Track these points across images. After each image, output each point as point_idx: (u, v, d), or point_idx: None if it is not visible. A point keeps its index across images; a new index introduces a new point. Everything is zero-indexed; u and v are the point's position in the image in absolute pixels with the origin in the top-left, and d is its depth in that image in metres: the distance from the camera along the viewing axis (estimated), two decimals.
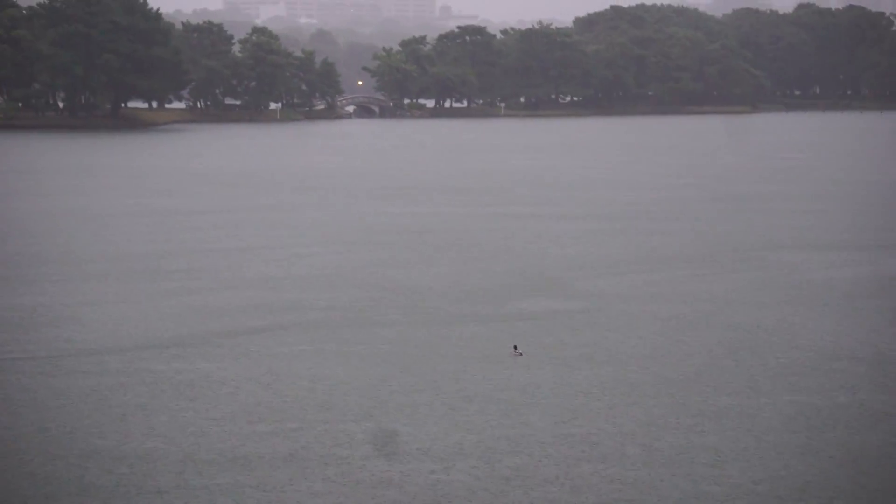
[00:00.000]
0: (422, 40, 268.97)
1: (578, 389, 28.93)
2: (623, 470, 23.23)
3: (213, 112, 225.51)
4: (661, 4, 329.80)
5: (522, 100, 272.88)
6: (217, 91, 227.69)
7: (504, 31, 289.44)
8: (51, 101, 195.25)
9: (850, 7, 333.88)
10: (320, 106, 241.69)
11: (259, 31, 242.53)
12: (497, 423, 26.00)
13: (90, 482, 22.42)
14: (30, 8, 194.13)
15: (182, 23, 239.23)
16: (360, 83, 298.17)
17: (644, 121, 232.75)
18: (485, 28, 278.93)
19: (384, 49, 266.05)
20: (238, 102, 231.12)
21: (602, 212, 67.64)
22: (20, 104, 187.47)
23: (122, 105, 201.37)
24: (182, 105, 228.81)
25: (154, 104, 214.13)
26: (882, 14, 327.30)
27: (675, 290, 42.13)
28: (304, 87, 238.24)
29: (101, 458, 23.70)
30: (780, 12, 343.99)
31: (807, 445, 24.56)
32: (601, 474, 22.88)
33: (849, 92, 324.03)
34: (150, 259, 49.78)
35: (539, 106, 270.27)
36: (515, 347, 33.56)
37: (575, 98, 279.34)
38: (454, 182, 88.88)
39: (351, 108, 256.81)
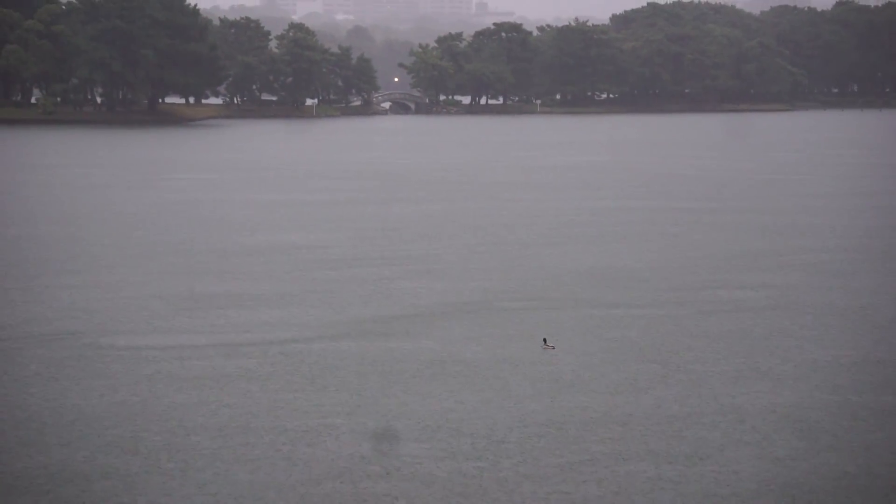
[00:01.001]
0: (458, 37, 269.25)
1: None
2: None
3: (249, 108, 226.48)
4: (699, 2, 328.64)
5: (558, 97, 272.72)
6: (254, 87, 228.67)
7: (540, 28, 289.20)
8: (89, 97, 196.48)
9: (890, 4, 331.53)
10: (356, 102, 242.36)
11: (296, 27, 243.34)
12: None
13: None
14: (69, 3, 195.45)
15: (220, 18, 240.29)
16: (396, 79, 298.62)
17: (681, 119, 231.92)
18: (521, 25, 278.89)
19: (420, 45, 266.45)
20: (274, 98, 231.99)
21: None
22: (59, 99, 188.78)
23: (160, 100, 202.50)
24: (219, 101, 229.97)
25: (191, 100, 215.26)
26: None
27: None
28: (340, 83, 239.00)
29: None
30: (819, 10, 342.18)
31: None
32: None
33: (888, 90, 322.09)
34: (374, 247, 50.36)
35: (575, 103, 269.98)
36: (545, 341, 31.99)
37: (611, 95, 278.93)
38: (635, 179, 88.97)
39: (387, 105, 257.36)
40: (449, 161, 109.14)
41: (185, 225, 58.94)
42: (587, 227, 58.92)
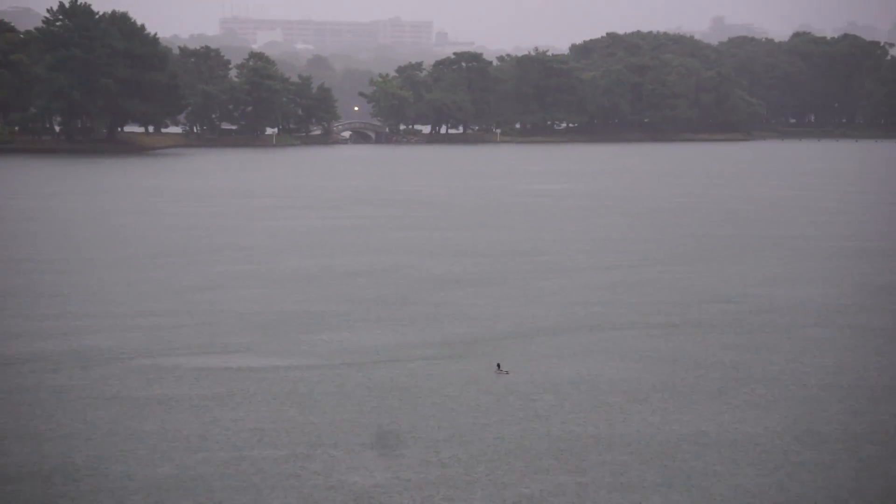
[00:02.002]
0: (418, 66, 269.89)
1: None
2: None
3: (209, 137, 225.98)
4: (658, 32, 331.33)
5: (518, 126, 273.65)
6: (213, 116, 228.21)
7: (500, 58, 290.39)
8: (47, 126, 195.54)
9: (846, 36, 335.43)
10: (316, 131, 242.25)
11: (256, 56, 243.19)
12: None
13: None
14: (27, 32, 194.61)
15: (179, 47, 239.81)
16: (356, 109, 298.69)
17: (637, 149, 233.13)
18: (481, 54, 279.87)
19: (380, 75, 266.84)
20: (234, 127, 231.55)
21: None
22: (16, 128, 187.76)
23: (119, 129, 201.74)
24: (178, 130, 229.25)
25: (150, 129, 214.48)
26: (877, 43, 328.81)
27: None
28: (300, 112, 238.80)
29: None
30: (776, 40, 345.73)
31: None
32: None
33: (844, 120, 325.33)
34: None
35: (534, 132, 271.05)
36: (499, 366, 32.09)
37: (571, 124, 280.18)
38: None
39: (347, 134, 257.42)
40: (456, 187, 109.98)
41: (250, 253, 58.32)
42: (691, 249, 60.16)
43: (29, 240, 63.77)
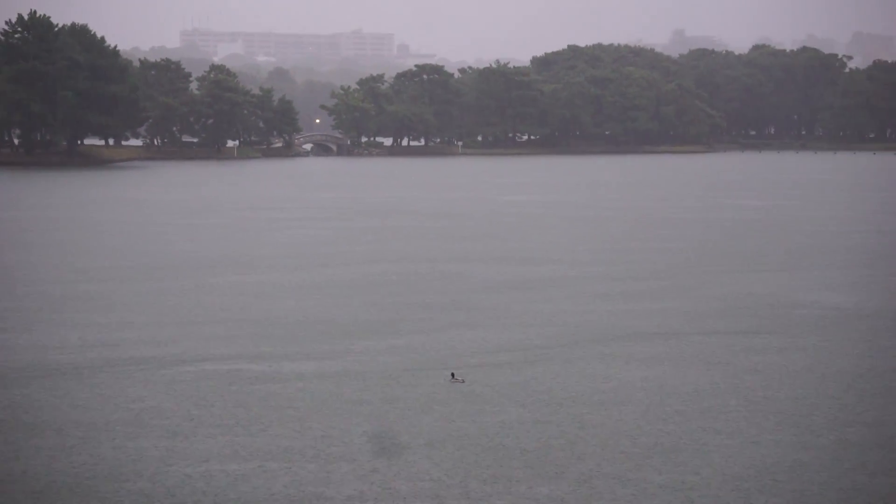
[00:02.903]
0: (379, 79, 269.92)
1: None
2: None
3: (170, 149, 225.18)
4: (618, 45, 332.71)
5: (480, 138, 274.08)
6: (174, 128, 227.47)
7: (462, 70, 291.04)
8: (6, 138, 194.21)
9: (805, 48, 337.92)
10: (278, 144, 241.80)
11: (217, 68, 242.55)
12: None
13: None
14: None
15: (140, 60, 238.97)
16: (317, 121, 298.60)
17: (602, 160, 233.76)
18: (442, 67, 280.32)
19: (342, 87, 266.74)
20: (195, 140, 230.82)
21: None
22: None
23: (79, 142, 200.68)
24: (139, 142, 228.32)
25: (111, 141, 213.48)
26: (835, 56, 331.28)
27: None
28: (261, 124, 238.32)
29: None
30: (736, 53, 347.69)
31: None
32: None
33: (803, 132, 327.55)
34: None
35: (496, 145, 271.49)
36: (453, 375, 31.39)
37: (532, 137, 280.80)
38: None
39: (308, 147, 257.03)
40: (443, 198, 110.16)
41: (275, 262, 57.76)
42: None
43: (30, 250, 63.30)
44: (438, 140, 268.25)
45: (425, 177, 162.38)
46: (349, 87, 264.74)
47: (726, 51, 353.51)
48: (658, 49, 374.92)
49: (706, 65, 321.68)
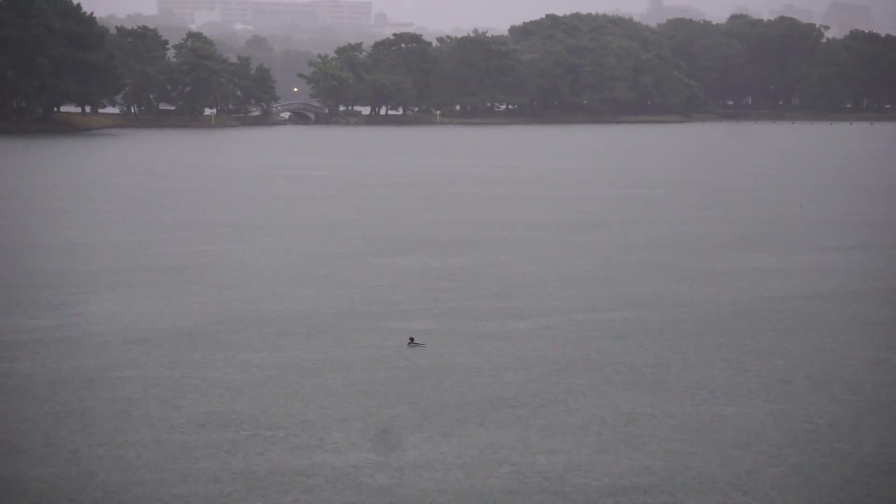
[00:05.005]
0: (357, 47, 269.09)
1: None
2: None
3: (146, 117, 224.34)
4: (597, 14, 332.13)
5: (458, 108, 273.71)
6: (151, 96, 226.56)
7: (440, 39, 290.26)
8: None
9: (782, 18, 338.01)
10: (255, 112, 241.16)
11: (194, 36, 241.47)
12: None
13: None
14: None
15: (116, 27, 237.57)
16: (295, 90, 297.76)
17: (585, 130, 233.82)
18: (420, 36, 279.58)
19: (319, 56, 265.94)
20: (172, 108, 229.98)
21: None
22: None
23: (55, 109, 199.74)
24: (115, 110, 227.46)
25: (87, 109, 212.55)
26: (812, 26, 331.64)
27: None
28: (238, 93, 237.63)
29: None
30: (714, 23, 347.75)
31: None
32: None
33: (780, 102, 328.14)
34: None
35: (474, 114, 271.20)
36: (412, 339, 31.25)
37: (510, 106, 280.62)
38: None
39: (286, 115, 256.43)
40: (460, 167, 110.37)
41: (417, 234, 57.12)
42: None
43: (48, 219, 63.08)
44: (416, 109, 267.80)
45: (426, 146, 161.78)
46: (327, 55, 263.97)
47: (704, 20, 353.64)
48: (636, 18, 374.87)
49: (684, 34, 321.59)
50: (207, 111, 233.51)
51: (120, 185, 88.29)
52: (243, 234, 56.49)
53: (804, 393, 27.06)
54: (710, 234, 57.91)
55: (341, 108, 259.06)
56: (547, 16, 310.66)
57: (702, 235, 57.18)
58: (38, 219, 63.50)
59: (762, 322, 35.15)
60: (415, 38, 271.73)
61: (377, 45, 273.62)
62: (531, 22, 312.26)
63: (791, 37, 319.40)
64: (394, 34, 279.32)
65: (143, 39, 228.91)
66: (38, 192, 79.98)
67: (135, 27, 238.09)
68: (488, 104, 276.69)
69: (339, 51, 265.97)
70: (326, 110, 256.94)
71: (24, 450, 22.88)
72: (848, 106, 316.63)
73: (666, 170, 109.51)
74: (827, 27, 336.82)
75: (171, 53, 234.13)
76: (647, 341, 32.28)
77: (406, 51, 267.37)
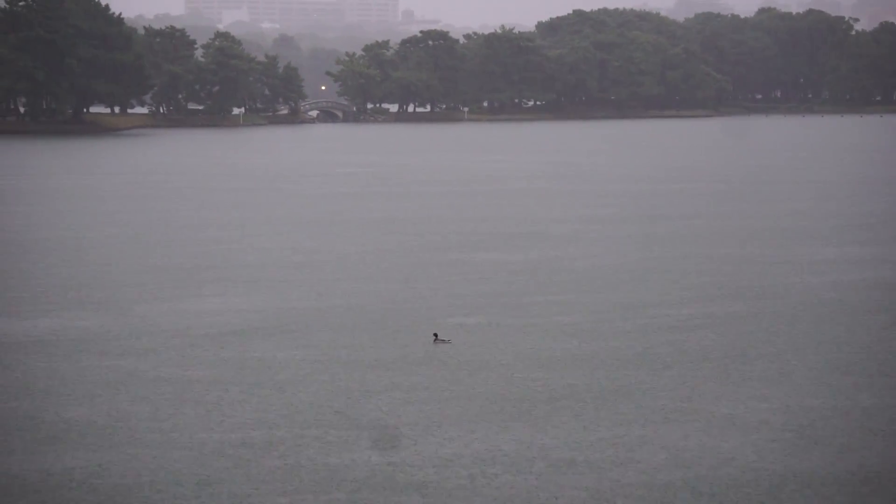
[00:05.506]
0: (385, 45, 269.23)
1: None
2: None
3: (175, 117, 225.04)
4: (624, 9, 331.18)
5: (486, 104, 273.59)
6: (179, 96, 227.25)
7: (467, 36, 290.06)
8: (11, 107, 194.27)
9: (811, 11, 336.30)
10: (283, 111, 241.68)
11: (222, 35, 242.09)
12: None
13: None
14: None
15: (144, 27, 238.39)
16: (323, 88, 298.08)
17: (616, 125, 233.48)
18: (447, 33, 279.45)
19: (347, 54, 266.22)
20: (201, 107, 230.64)
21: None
22: None
23: (84, 110, 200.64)
24: (144, 110, 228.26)
25: (116, 109, 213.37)
26: (841, 18, 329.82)
27: None
28: (267, 91, 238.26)
29: None
30: (742, 16, 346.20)
31: None
32: None
33: (810, 95, 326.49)
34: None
35: (502, 110, 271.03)
36: (436, 336, 31.35)
37: (538, 102, 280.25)
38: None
39: (314, 113, 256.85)
40: (514, 164, 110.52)
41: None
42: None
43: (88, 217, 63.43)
44: (444, 106, 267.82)
45: (465, 143, 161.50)
46: (354, 53, 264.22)
47: (732, 14, 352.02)
48: (663, 13, 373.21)
49: (712, 28, 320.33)
50: (236, 110, 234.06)
51: (171, 182, 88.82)
52: (316, 231, 57.56)
53: None
54: (778, 226, 58.64)
55: (369, 105, 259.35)
56: (574, 11, 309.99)
57: (767, 228, 57.79)
58: (99, 218, 63.80)
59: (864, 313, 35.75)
60: (442, 35, 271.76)
61: (404, 42, 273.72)
62: (558, 18, 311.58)
63: (820, 29, 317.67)
64: (421, 31, 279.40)
65: (171, 39, 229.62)
66: (104, 188, 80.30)
67: (163, 27, 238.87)
68: (515, 100, 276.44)
69: (367, 48, 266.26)
70: (354, 108, 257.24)
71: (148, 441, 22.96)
72: (878, 98, 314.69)
73: (706, 163, 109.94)
74: (856, 19, 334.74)
75: (199, 53, 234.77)
76: (773, 330, 33.01)
77: (433, 48, 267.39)
